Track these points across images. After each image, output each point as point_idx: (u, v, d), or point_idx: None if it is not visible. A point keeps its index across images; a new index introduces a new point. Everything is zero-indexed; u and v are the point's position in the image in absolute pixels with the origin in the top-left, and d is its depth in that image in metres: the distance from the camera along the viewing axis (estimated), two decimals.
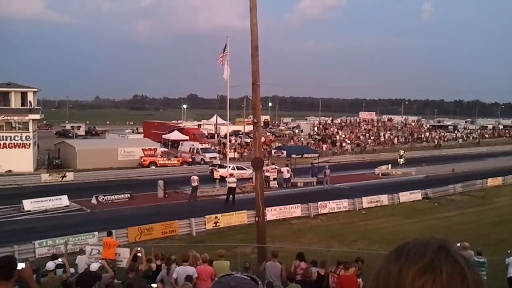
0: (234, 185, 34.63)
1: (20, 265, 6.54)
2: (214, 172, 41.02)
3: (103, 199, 33.32)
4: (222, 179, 39.36)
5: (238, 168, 44.26)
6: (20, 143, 47.37)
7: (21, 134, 47.59)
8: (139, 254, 15.55)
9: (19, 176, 43.22)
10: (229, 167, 42.52)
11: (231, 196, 34.04)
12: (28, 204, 30.37)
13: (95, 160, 47.65)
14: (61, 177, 42.97)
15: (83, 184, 40.86)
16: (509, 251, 16.18)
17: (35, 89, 51.21)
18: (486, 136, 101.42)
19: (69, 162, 49.78)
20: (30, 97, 49.58)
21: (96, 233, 23.08)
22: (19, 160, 45.81)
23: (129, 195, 34.65)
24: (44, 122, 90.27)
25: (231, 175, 37.74)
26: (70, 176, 43.39)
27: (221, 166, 44.16)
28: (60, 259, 15.76)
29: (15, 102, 48.81)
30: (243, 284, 1.90)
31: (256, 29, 19.04)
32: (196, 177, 35.41)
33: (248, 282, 1.95)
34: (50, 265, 13.33)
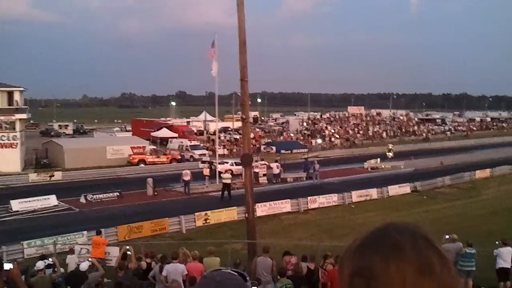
0: (229, 181, 34.78)
1: (8, 266, 6.45)
2: (204, 169, 40.92)
3: (92, 198, 33.12)
4: (212, 176, 39.38)
5: (237, 164, 44.24)
6: (7, 143, 46.91)
7: (8, 134, 47.14)
8: (128, 253, 15.49)
9: (7, 176, 42.76)
10: (227, 162, 42.66)
11: (226, 192, 34.22)
12: (16, 205, 30.10)
13: (83, 159, 47.30)
14: (49, 176, 42.63)
15: (72, 184, 40.54)
16: (497, 242, 16.27)
17: (22, 88, 50.74)
18: (474, 128, 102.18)
19: (57, 162, 49.39)
20: (16, 96, 49.12)
21: (85, 232, 22.94)
22: (6, 160, 45.33)
23: (118, 194, 34.48)
24: (31, 121, 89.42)
25: (226, 171, 37.76)
26: (58, 175, 43.05)
27: (221, 163, 44.02)
28: (50, 259, 15.65)
29: (1, 101, 48.32)
30: (229, 279, 1.83)
31: (243, 25, 18.98)
32: (188, 171, 36.42)
33: (234, 277, 1.89)
34: (40, 264, 13.22)
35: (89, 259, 15.38)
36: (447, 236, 16.66)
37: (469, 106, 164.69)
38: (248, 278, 2.08)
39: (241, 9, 18.90)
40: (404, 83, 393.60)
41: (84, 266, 13.34)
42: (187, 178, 35.94)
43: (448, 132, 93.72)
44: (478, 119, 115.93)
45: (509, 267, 15.47)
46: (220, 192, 34.69)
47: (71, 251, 17.68)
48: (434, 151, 64.67)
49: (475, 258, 15.89)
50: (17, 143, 47.38)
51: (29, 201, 30.79)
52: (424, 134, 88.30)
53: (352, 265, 1.11)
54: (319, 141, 70.93)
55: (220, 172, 38.80)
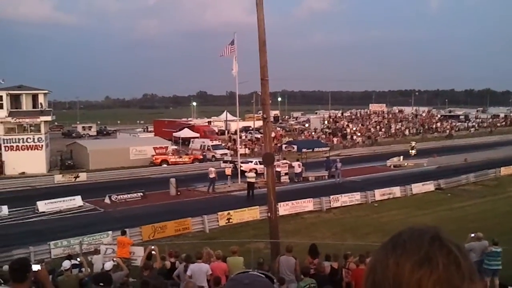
0: (253, 180, 34.95)
1: (36, 267, 6.60)
2: (226, 169, 41.08)
3: (116, 198, 33.53)
4: (234, 175, 39.58)
5: (260, 163, 44.37)
6: (32, 145, 47.81)
7: (33, 136, 48.01)
8: (153, 252, 15.65)
9: (32, 177, 43.60)
10: (251, 162, 42.87)
11: (251, 191, 34.48)
12: (42, 206, 30.63)
13: (107, 160, 47.96)
14: (74, 177, 43.30)
15: (96, 184, 41.13)
16: None
17: (46, 91, 51.61)
18: (498, 125, 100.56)
19: (82, 163, 50.14)
20: (41, 99, 49.99)
21: (110, 232, 23.24)
22: (32, 162, 46.21)
23: (141, 194, 34.84)
24: (55, 123, 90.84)
25: (251, 170, 37.91)
26: (83, 176, 43.69)
27: (244, 162, 44.22)
28: (78, 259, 15.94)
29: (26, 104, 49.26)
30: (257, 281, 1.90)
31: (263, 24, 18.99)
32: (213, 169, 37.21)
33: (262, 280, 1.95)
34: (66, 264, 13.45)
35: (114, 259, 15.59)
36: (472, 235, 16.48)
37: (493, 102, 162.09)
38: (275, 280, 2.14)
39: (260, 8, 18.91)
40: (426, 79, 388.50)
41: (108, 265, 13.54)
42: (212, 175, 36.54)
43: (472, 129, 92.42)
44: (502, 115, 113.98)
45: None
46: (246, 191, 34.93)
47: (97, 251, 17.91)
48: (457, 148, 63.83)
49: (501, 257, 15.67)
50: (42, 145, 48.23)
51: (55, 202, 31.32)
52: (447, 131, 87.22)
53: (369, 264, 1.22)
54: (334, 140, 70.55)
55: (243, 171, 38.94)
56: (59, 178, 42.99)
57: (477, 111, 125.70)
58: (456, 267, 1.10)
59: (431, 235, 1.15)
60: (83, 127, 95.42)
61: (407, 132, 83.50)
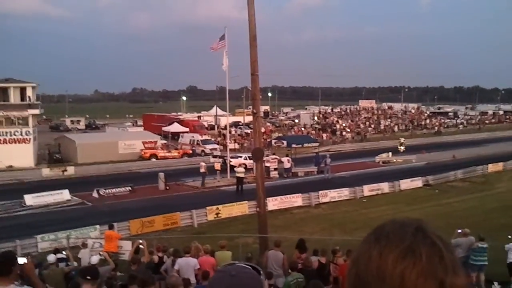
0: (242, 175, 35.04)
1: (22, 260, 6.54)
2: (215, 163, 41.04)
3: (104, 192, 33.40)
4: (223, 170, 39.56)
5: (250, 158, 44.38)
6: (20, 138, 47.40)
7: (21, 130, 47.60)
8: (141, 247, 15.59)
9: (20, 171, 43.25)
10: (241, 157, 42.88)
11: (240, 186, 34.58)
12: (30, 199, 30.41)
13: (96, 153, 47.68)
14: (62, 171, 43.01)
15: (84, 178, 40.86)
16: (510, 237, 16.18)
17: (34, 84, 51.12)
18: (487, 122, 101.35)
19: (70, 156, 49.81)
20: (29, 92, 49.54)
21: (98, 226, 23.16)
22: (20, 156, 45.83)
23: (130, 188, 34.74)
24: (44, 117, 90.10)
25: (240, 165, 37.91)
26: (71, 170, 43.40)
27: (234, 157, 44.21)
28: (64, 252, 15.82)
29: (14, 97, 48.79)
30: (244, 273, 1.88)
31: (254, 19, 18.93)
32: (204, 164, 37.35)
33: (249, 271, 1.93)
34: (51, 258, 13.37)
35: (100, 253, 15.52)
36: (459, 230, 16.58)
37: (482, 99, 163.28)
38: (261, 272, 2.12)
39: (251, 3, 18.86)
40: (416, 76, 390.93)
41: (95, 259, 13.47)
42: (202, 170, 36.70)
43: (461, 126, 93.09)
44: (490, 112, 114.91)
45: None
46: (235, 186, 34.95)
47: (84, 245, 17.81)
48: (446, 144, 64.26)
49: (487, 253, 15.79)
50: (30, 139, 47.83)
51: (43, 196, 31.10)
52: (436, 128, 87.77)
53: (352, 257, 1.21)
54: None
55: (233, 166, 38.93)
56: (46, 172, 42.68)
57: (466, 108, 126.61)
58: (439, 259, 1.09)
59: (415, 226, 1.14)
60: (71, 120, 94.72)
61: (396, 128, 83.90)
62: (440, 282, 1.07)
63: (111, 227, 19.60)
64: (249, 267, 2.02)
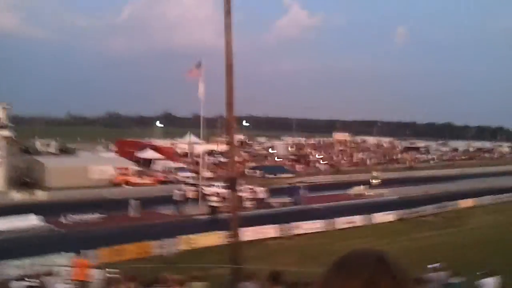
0: (216, 204, 34.71)
1: None
2: (187, 191, 40.60)
3: (74, 218, 32.61)
4: (196, 199, 39.21)
5: (224, 187, 44.09)
6: None
7: None
8: (108, 275, 15.14)
9: None
10: (215, 185, 42.60)
11: (214, 215, 34.35)
12: None
13: (66, 178, 46.62)
14: (30, 195, 41.94)
15: (54, 203, 39.82)
16: (478, 273, 16.20)
17: (5, 105, 50.17)
18: (457, 158, 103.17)
19: (40, 180, 48.68)
20: (0, 113, 48.56)
21: (65, 253, 22.42)
22: None
23: (100, 215, 33.98)
24: (14, 138, 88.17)
25: (214, 194, 37.61)
26: (40, 194, 42.39)
27: (208, 186, 43.88)
28: (29, 280, 15.25)
29: None
30: None
31: (231, 48, 19.06)
32: (178, 192, 37.57)
33: None
34: (15, 286, 12.85)
35: (68, 282, 15.02)
36: (430, 266, 16.58)
37: (453, 135, 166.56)
38: None
39: (228, 32, 19.00)
40: (389, 110, 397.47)
41: None
42: (177, 198, 36.57)
43: (432, 161, 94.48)
44: (461, 148, 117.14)
45: None
46: (209, 215, 34.58)
47: (50, 273, 17.20)
48: (418, 179, 65.01)
49: None
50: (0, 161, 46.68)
51: (9, 221, 30.16)
52: (407, 162, 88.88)
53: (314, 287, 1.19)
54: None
55: (206, 195, 38.60)
56: (15, 196, 41.59)
57: (437, 144, 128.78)
58: None
59: (376, 258, 1.14)
60: (41, 143, 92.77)
61: (368, 161, 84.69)
62: None
63: (80, 255, 19.04)
64: None
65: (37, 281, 15.77)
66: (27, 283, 14.55)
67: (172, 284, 13.64)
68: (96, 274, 16.76)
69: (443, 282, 15.78)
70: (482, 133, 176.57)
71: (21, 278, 15.16)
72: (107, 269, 16.11)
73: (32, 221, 30.92)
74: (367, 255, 1.16)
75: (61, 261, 21.66)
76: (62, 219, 32.31)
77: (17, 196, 41.65)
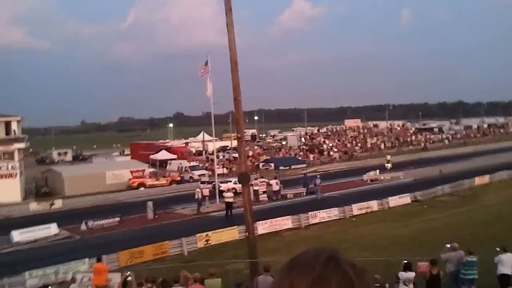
0: (231, 199, 34.98)
1: None
2: (203, 189, 40.95)
3: (92, 224, 33.12)
4: (212, 196, 39.49)
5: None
6: (6, 173, 47.00)
7: (7, 164, 47.23)
8: (129, 278, 15.43)
9: (7, 207, 42.73)
10: (230, 181, 42.86)
11: (229, 211, 34.59)
12: (17, 235, 30.01)
13: (83, 185, 47.32)
14: (49, 205, 42.63)
15: (72, 211, 40.48)
16: (498, 249, 16.27)
17: (19, 118, 50.99)
18: (471, 136, 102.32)
19: (57, 189, 49.43)
20: (14, 126, 49.37)
21: (86, 259, 22.80)
22: (6, 191, 45.29)
23: (118, 219, 34.44)
24: (30, 150, 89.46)
25: (229, 190, 37.86)
26: (58, 203, 43.05)
27: (224, 182, 44.22)
28: None
29: None
30: None
31: (234, 45, 19.19)
32: (199, 190, 37.46)
33: None
34: None
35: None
36: (448, 245, 16.67)
37: (465, 114, 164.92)
38: None
39: (230, 29, 19.13)
40: (400, 93, 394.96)
41: None
42: (197, 196, 36.89)
43: (446, 140, 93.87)
44: (475, 126, 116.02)
45: (510, 273, 15.46)
46: (225, 211, 34.93)
47: (73, 280, 17.62)
48: (432, 160, 64.67)
49: (477, 266, 15.86)
50: (16, 173, 47.47)
51: (30, 231, 30.70)
52: (422, 144, 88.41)
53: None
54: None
55: (222, 191, 38.89)
56: (34, 206, 42.28)
57: (450, 123, 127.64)
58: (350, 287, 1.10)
59: (327, 256, 1.16)
60: (58, 153, 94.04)
61: (382, 146, 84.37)
62: None
63: (99, 260, 19.40)
64: None
65: None
66: None
67: (192, 282, 13.92)
68: (116, 278, 17.08)
69: (461, 260, 15.89)
70: (494, 108, 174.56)
71: (44, 287, 15.52)
72: (126, 273, 16.42)
73: (52, 230, 31.43)
74: (318, 254, 1.16)
75: (83, 268, 22.14)
76: (82, 226, 32.80)
77: (36, 206, 42.27)
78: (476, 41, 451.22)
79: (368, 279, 1.18)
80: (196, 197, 36.98)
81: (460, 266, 15.87)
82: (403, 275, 14.61)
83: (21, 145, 49.54)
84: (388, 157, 57.81)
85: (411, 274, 14.62)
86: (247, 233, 19.94)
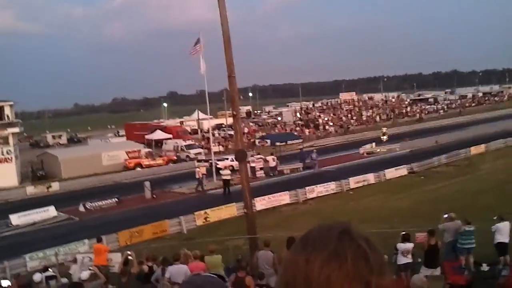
0: (228, 177, 35.04)
1: (5, 283, 6.51)
2: (200, 167, 40.97)
3: (90, 206, 33.15)
4: (209, 174, 39.52)
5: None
6: (1, 158, 46.93)
7: (2, 149, 47.07)
8: (129, 258, 15.49)
9: (4, 191, 42.73)
10: (227, 159, 42.89)
11: (227, 188, 34.66)
12: (16, 219, 30.08)
13: (80, 167, 47.23)
14: (46, 188, 42.62)
15: (70, 193, 40.47)
16: (494, 218, 16.37)
17: (11, 102, 50.64)
18: (467, 105, 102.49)
19: (54, 172, 49.36)
20: (7, 111, 49.05)
21: (86, 240, 22.91)
22: (3, 175, 45.27)
23: (116, 199, 34.49)
24: (25, 134, 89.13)
25: (227, 167, 37.87)
26: (55, 186, 43.04)
27: (221, 159, 44.25)
28: (50, 270, 15.66)
29: None
30: (209, 282, 1.95)
31: (226, 21, 18.93)
32: (198, 169, 37.45)
33: (214, 281, 2.00)
34: (37, 277, 13.26)
35: (90, 268, 15.42)
36: (445, 215, 16.75)
37: (460, 83, 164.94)
38: (227, 280, 2.16)
39: (222, 5, 18.86)
40: (394, 65, 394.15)
41: (85, 275, 13.38)
42: (197, 176, 36.88)
43: (441, 111, 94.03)
44: (470, 95, 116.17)
45: (507, 241, 15.59)
46: (222, 189, 35.01)
47: (74, 261, 17.67)
48: (428, 130, 64.85)
49: (474, 235, 15.97)
50: (11, 157, 47.35)
51: (28, 214, 30.75)
52: (417, 115, 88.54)
53: (281, 265, 1.21)
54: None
55: (219, 169, 38.91)
56: (31, 190, 42.25)
57: (445, 93, 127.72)
58: (365, 261, 1.09)
59: (340, 230, 1.14)
60: (53, 136, 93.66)
61: (378, 118, 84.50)
62: (366, 284, 1.08)
63: (99, 240, 19.46)
64: (215, 276, 2.08)
65: (61, 270, 16.24)
66: (49, 273, 14.94)
67: (192, 259, 13.98)
68: (116, 258, 17.15)
69: (458, 230, 15.98)
70: (489, 76, 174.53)
71: (44, 269, 15.56)
72: (127, 252, 16.48)
73: (50, 212, 31.46)
74: (330, 229, 1.16)
75: (83, 248, 22.23)
76: (80, 208, 32.84)
77: (33, 190, 42.25)
78: (470, 7, 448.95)
79: (380, 251, 1.15)
80: (197, 176, 36.89)
81: (457, 236, 15.96)
82: (401, 246, 14.70)
83: (15, 129, 49.33)
84: (384, 130, 57.88)
85: (409, 245, 14.72)
86: (245, 210, 19.99)
